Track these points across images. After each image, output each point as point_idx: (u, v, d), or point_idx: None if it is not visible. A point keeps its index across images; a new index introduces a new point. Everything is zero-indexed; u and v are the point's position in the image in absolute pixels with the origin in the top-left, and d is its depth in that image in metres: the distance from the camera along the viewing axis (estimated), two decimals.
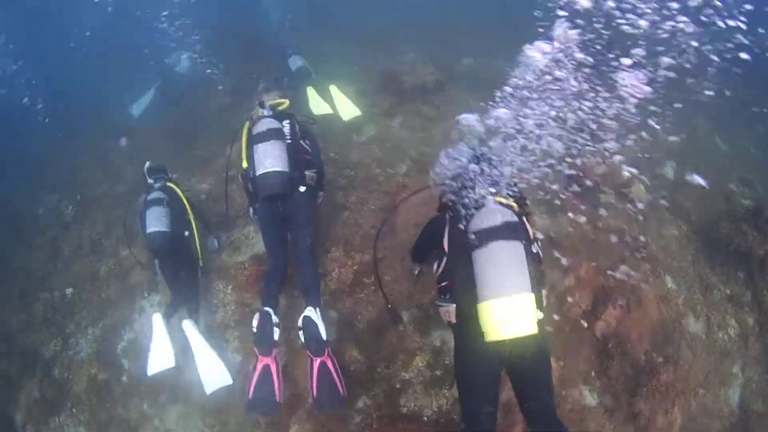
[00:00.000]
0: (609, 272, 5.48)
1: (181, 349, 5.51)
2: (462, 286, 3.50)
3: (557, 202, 5.99)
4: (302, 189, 5.15)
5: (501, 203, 3.67)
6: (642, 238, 6.11)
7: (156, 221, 5.62)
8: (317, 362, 4.35)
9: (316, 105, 8.45)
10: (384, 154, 7.36)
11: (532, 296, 3.25)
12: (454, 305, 3.56)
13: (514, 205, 3.74)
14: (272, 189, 4.95)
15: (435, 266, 3.82)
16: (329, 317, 5.36)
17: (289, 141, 5.17)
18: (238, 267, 6.22)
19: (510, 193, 3.86)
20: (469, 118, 4.20)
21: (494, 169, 3.92)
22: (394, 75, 9.30)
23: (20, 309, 7.54)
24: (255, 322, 4.52)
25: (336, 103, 8.38)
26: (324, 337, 4.41)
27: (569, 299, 5.28)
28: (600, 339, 5.23)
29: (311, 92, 8.61)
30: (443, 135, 7.21)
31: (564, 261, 5.35)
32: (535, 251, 3.58)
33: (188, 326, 5.43)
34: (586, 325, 5.22)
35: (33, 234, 8.80)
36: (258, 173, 4.95)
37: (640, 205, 6.57)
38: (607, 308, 5.25)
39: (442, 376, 4.96)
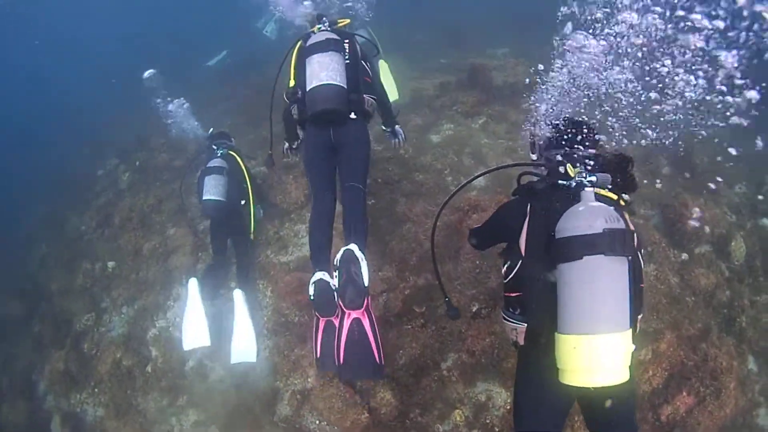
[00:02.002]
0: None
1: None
2: (539, 305, 2.65)
3: (648, 248, 5.25)
4: (356, 116, 4.25)
5: (603, 196, 2.68)
6: (733, 306, 5.30)
7: (213, 189, 5.69)
8: (350, 318, 3.45)
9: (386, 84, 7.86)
10: (460, 161, 6.66)
11: (630, 333, 2.39)
12: (525, 325, 2.73)
13: (619, 199, 2.73)
14: (326, 104, 4.01)
15: (504, 268, 2.88)
16: None
17: (349, 60, 4.24)
18: (282, 268, 5.86)
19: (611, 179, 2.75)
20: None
21: (594, 145, 2.91)
22: (482, 69, 8.56)
23: (64, 272, 7.52)
24: (311, 290, 3.63)
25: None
26: (366, 282, 3.47)
27: (641, 375, 4.56)
28: (663, 424, 4.52)
29: (383, 67, 7.94)
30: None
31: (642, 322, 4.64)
32: (639, 267, 2.65)
33: (238, 296, 5.38)
34: (652, 405, 4.56)
35: (89, 196, 8.78)
36: (310, 87, 4.05)
37: (737, 263, 5.71)
38: (680, 393, 4.52)
39: None
